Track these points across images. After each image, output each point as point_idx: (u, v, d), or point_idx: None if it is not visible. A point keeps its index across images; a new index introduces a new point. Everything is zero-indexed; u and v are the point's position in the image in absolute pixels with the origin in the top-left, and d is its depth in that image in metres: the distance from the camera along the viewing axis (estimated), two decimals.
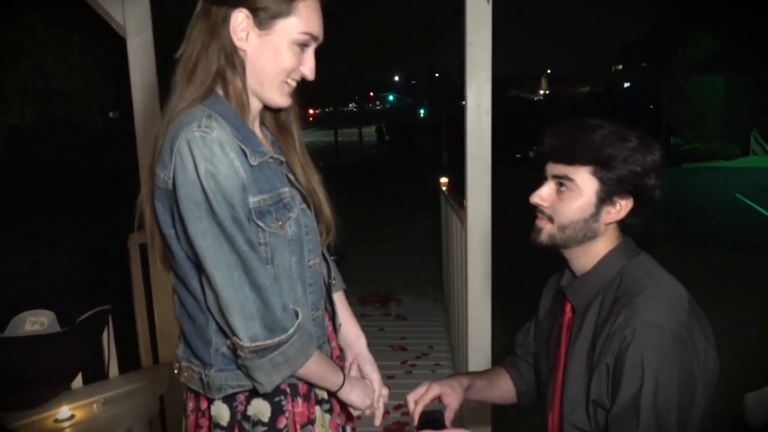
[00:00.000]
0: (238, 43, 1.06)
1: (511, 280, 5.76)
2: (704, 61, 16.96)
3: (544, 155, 1.20)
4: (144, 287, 2.46)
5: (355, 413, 1.27)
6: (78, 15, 3.25)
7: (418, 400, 1.29)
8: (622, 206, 1.14)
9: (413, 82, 51.34)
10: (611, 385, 1.08)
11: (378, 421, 1.30)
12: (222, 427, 1.12)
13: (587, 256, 1.20)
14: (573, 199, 1.15)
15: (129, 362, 2.45)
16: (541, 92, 48.81)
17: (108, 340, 2.33)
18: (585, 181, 1.14)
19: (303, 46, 1.10)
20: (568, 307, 1.25)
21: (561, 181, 1.17)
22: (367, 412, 1.27)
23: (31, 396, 2.10)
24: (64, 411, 2.04)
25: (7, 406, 2.07)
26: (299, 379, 1.13)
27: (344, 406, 1.27)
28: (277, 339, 1.03)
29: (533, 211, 1.23)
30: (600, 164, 1.12)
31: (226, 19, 1.04)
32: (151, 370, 2.44)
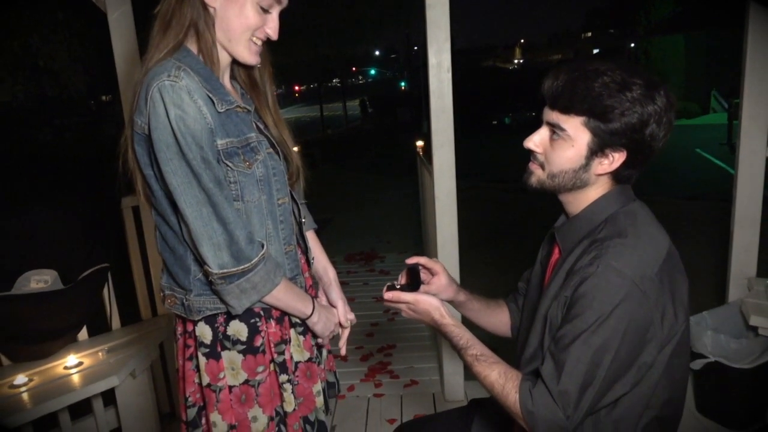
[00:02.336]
0: (207, 0, 1.11)
1: (483, 235, 5.91)
2: (665, 22, 16.92)
3: (543, 99, 1.10)
4: (139, 246, 2.51)
5: (319, 341, 1.34)
6: None
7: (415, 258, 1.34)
8: (615, 158, 1.07)
9: (393, 55, 50.70)
10: (563, 316, 1.06)
11: (343, 351, 1.40)
12: (206, 345, 1.20)
13: (578, 201, 1.14)
14: (564, 148, 1.08)
15: (129, 315, 2.52)
16: (516, 61, 48.42)
17: (109, 295, 2.39)
18: (577, 132, 1.06)
19: (267, 6, 1.14)
20: (556, 249, 1.21)
21: (554, 128, 1.09)
22: (326, 341, 1.36)
23: (41, 347, 2.17)
24: (71, 359, 2.12)
25: (20, 357, 2.14)
26: (270, 305, 1.21)
27: None
28: (242, 267, 1.10)
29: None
30: (594, 116, 1.03)
31: None
32: (150, 322, 2.51)
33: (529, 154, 1.15)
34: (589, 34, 39.18)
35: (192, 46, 1.13)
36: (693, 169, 9.30)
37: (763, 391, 2.15)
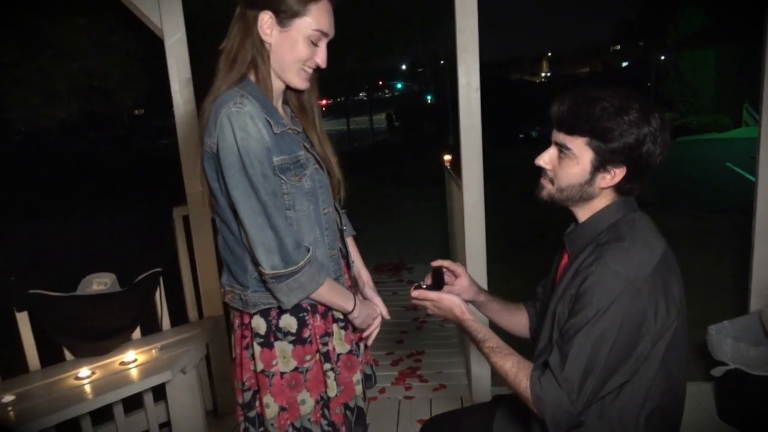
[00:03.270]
0: (264, 37, 1.29)
1: (509, 247, 6.01)
2: (695, 35, 16.83)
3: (551, 121, 1.23)
4: (188, 253, 2.71)
5: (356, 325, 1.48)
6: (114, 18, 3.48)
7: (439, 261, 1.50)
8: (616, 174, 1.19)
9: (420, 69, 50.90)
10: (569, 311, 1.18)
11: (369, 342, 1.54)
12: (261, 336, 1.36)
13: (585, 210, 1.26)
14: (570, 165, 1.21)
15: (177, 317, 2.71)
16: (543, 74, 48.25)
17: (160, 297, 2.59)
18: (581, 151, 1.19)
19: (316, 40, 1.32)
20: (565, 254, 1.33)
21: (561, 148, 1.22)
22: (366, 333, 1.50)
23: (100, 344, 2.38)
24: (129, 354, 2.32)
25: (82, 353, 2.35)
26: (316, 301, 1.37)
27: None
28: (290, 269, 1.26)
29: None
30: (596, 136, 1.16)
31: (255, 19, 1.27)
32: (197, 323, 2.70)
33: (540, 170, 1.29)
34: (618, 46, 38.90)
35: (252, 76, 1.31)
36: (723, 182, 9.26)
37: None
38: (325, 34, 1.33)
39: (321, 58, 1.35)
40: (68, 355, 2.36)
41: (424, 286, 1.45)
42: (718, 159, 11.55)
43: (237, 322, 1.44)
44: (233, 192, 1.25)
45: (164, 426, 2.65)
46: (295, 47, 1.30)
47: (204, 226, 2.68)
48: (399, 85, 52.37)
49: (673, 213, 7.16)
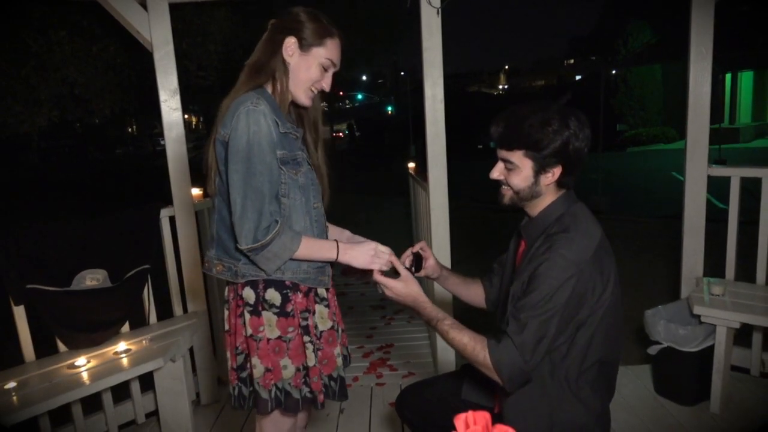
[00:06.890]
0: (287, 57, 1.57)
1: (469, 250, 6.34)
2: (643, 52, 17.81)
3: (492, 142, 1.50)
4: (174, 252, 2.90)
5: (360, 265, 1.63)
6: (95, 30, 3.65)
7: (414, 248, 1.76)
8: (555, 173, 1.44)
9: (380, 81, 51.51)
10: (523, 289, 1.41)
11: (394, 260, 1.65)
12: (250, 305, 1.58)
13: (536, 207, 1.51)
14: (517, 174, 1.47)
15: (162, 312, 2.88)
16: (500, 87, 49.61)
17: (148, 293, 2.77)
18: (522, 161, 1.44)
19: (326, 68, 1.60)
20: (522, 243, 1.60)
21: (505, 162, 1.49)
22: (383, 266, 1.64)
23: (93, 336, 2.54)
24: (122, 345, 2.49)
25: (76, 345, 2.51)
26: (300, 260, 1.56)
27: (339, 307, 1.77)
28: (260, 243, 1.48)
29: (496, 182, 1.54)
30: (530, 148, 1.42)
31: (282, 42, 1.55)
32: (182, 317, 2.88)
33: (497, 182, 1.55)
34: (572, 61, 40.47)
35: (268, 87, 1.58)
36: (668, 190, 9.90)
37: (708, 370, 2.57)
38: (333, 64, 1.61)
39: (327, 83, 1.63)
40: (62, 347, 2.52)
41: (407, 267, 1.69)
42: (665, 168, 12.31)
43: (231, 295, 1.66)
44: (233, 176, 1.47)
45: (150, 416, 2.82)
46: (310, 69, 1.58)
47: (188, 226, 2.87)
48: (359, 96, 52.80)
49: (623, 220, 7.71)
